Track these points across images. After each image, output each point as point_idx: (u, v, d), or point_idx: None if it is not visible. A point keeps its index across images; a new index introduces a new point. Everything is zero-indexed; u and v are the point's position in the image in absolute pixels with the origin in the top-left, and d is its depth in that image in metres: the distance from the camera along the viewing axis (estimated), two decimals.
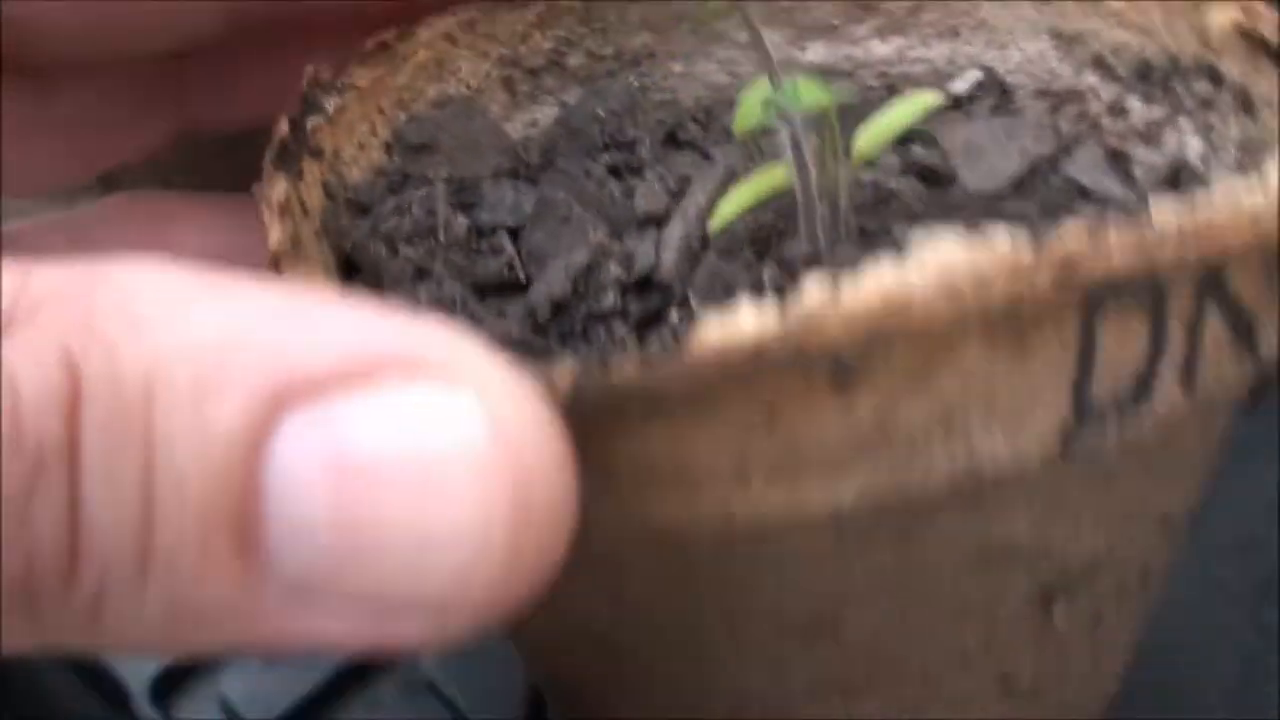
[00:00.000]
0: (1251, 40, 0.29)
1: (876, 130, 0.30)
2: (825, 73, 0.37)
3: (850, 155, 0.30)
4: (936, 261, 0.21)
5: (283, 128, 0.30)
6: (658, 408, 0.22)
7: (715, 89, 0.37)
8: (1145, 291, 0.22)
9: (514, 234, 0.33)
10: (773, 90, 0.28)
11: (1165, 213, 0.22)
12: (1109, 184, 0.32)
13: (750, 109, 0.29)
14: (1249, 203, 0.22)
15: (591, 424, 0.21)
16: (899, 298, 0.21)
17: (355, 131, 0.33)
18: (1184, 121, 0.32)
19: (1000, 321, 0.22)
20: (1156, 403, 0.23)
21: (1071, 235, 0.21)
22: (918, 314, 0.21)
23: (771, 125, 0.28)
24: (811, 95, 0.28)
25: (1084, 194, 0.33)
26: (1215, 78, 0.31)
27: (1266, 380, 0.25)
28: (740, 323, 0.21)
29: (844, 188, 0.30)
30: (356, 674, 0.45)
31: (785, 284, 0.27)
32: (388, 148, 0.34)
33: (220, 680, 0.45)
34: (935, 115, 0.36)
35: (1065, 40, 0.35)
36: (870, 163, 0.31)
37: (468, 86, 0.35)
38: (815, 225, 0.29)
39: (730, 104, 0.33)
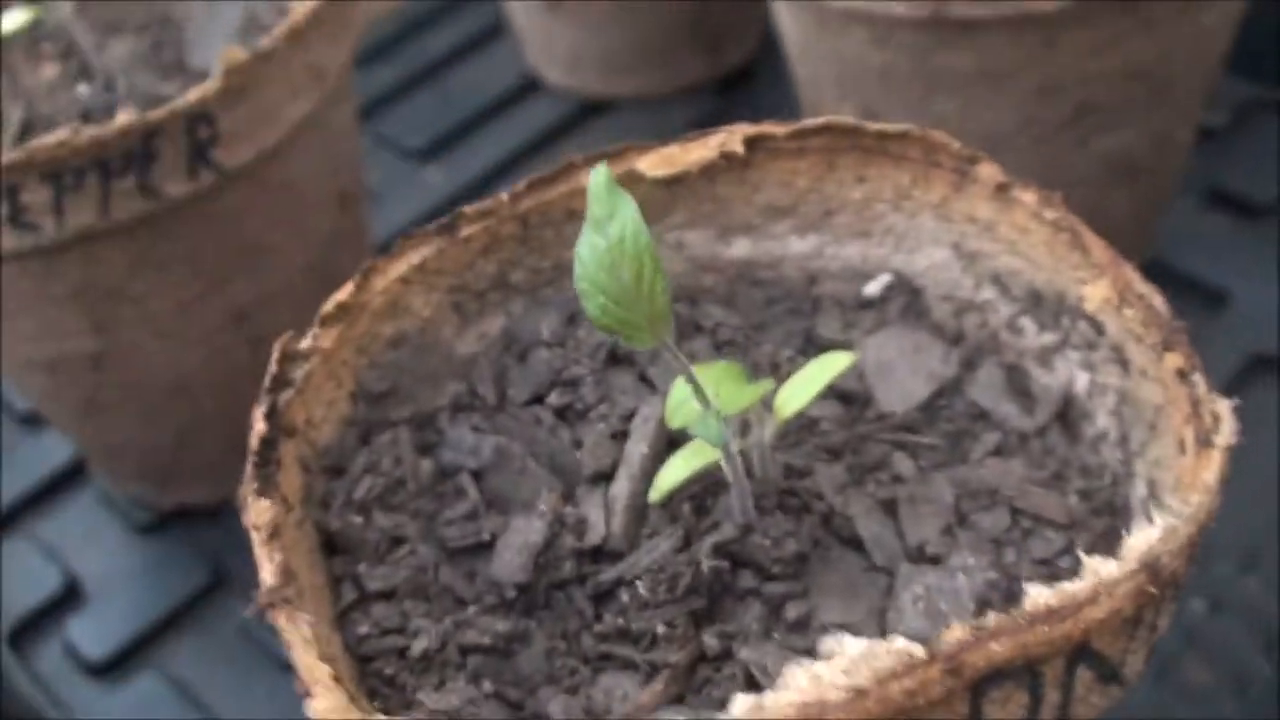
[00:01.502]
0: (1124, 314, 0.33)
1: (796, 391, 0.33)
2: (749, 265, 0.41)
3: (772, 412, 0.33)
4: (843, 668, 0.25)
5: (259, 428, 0.33)
6: None
7: None
8: (1023, 672, 0.26)
9: (475, 474, 0.36)
10: (696, 398, 0.31)
11: (1036, 602, 0.26)
12: (1007, 408, 0.36)
13: (680, 409, 0.32)
14: (1109, 580, 0.26)
15: None
16: (814, 703, 0.25)
17: (323, 391, 0.36)
18: (1072, 353, 0.36)
19: (900, 711, 0.26)
20: None
21: (957, 636, 0.26)
22: (830, 714, 0.25)
23: (699, 425, 0.31)
24: (734, 400, 0.32)
25: (984, 417, 0.36)
26: (1097, 327, 0.34)
27: None
28: None
29: (767, 454, 0.33)
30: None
31: (728, 647, 0.31)
32: (353, 397, 0.37)
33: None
34: (852, 314, 0.40)
35: (966, 255, 0.38)
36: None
37: (419, 318, 0.38)
38: (746, 503, 0.33)
39: None
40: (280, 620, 0.30)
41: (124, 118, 0.44)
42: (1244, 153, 0.66)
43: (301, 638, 0.29)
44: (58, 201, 0.44)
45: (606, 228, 0.29)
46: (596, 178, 0.29)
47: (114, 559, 0.59)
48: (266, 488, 0.32)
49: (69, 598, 0.57)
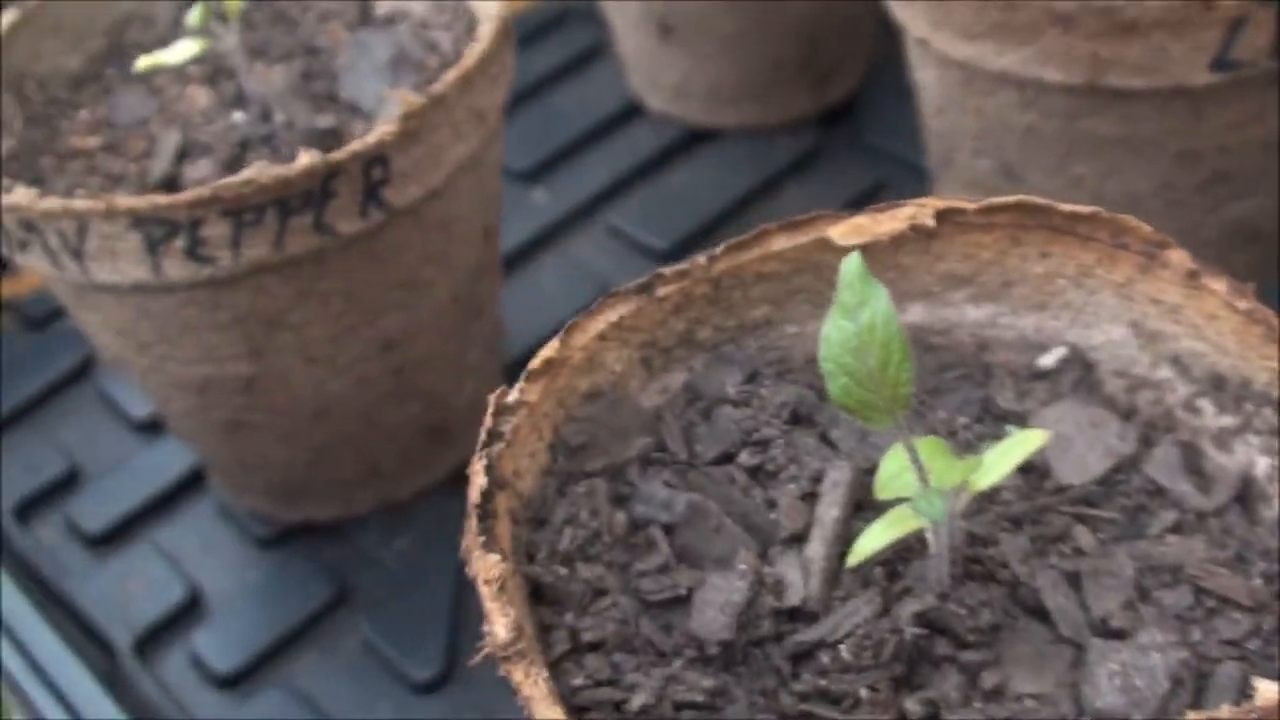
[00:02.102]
0: None
1: (992, 467, 0.35)
2: (921, 330, 0.42)
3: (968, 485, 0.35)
4: None
5: (479, 480, 0.35)
6: None
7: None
8: None
9: (667, 529, 0.37)
10: (913, 469, 0.33)
11: (1265, 693, 0.27)
12: (1184, 486, 0.37)
13: (894, 481, 0.33)
14: None
15: None
16: None
17: (528, 444, 0.37)
18: (1253, 438, 0.37)
19: None
20: None
21: None
22: None
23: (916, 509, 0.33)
24: (947, 476, 0.33)
25: (1161, 494, 0.38)
26: None
27: None
28: None
29: (957, 524, 0.34)
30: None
31: (932, 713, 0.32)
32: (552, 449, 0.38)
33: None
34: (1025, 384, 0.41)
35: (1145, 334, 0.39)
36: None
37: (612, 373, 0.39)
38: (943, 572, 0.34)
39: None
40: (517, 675, 0.31)
41: (306, 158, 0.45)
42: None
43: (541, 693, 0.31)
44: (236, 236, 0.46)
45: (857, 314, 0.30)
46: (850, 265, 0.31)
47: (235, 571, 0.60)
48: (490, 542, 0.34)
49: (192, 608, 0.59)
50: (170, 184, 0.52)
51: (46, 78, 0.57)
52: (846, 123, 0.78)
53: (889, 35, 0.59)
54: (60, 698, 0.51)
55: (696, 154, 0.77)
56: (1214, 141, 0.51)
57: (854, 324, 0.31)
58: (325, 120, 0.53)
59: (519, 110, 0.81)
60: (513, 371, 0.65)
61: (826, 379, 0.31)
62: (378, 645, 0.56)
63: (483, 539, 0.34)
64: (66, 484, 0.65)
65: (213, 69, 0.56)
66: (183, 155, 0.53)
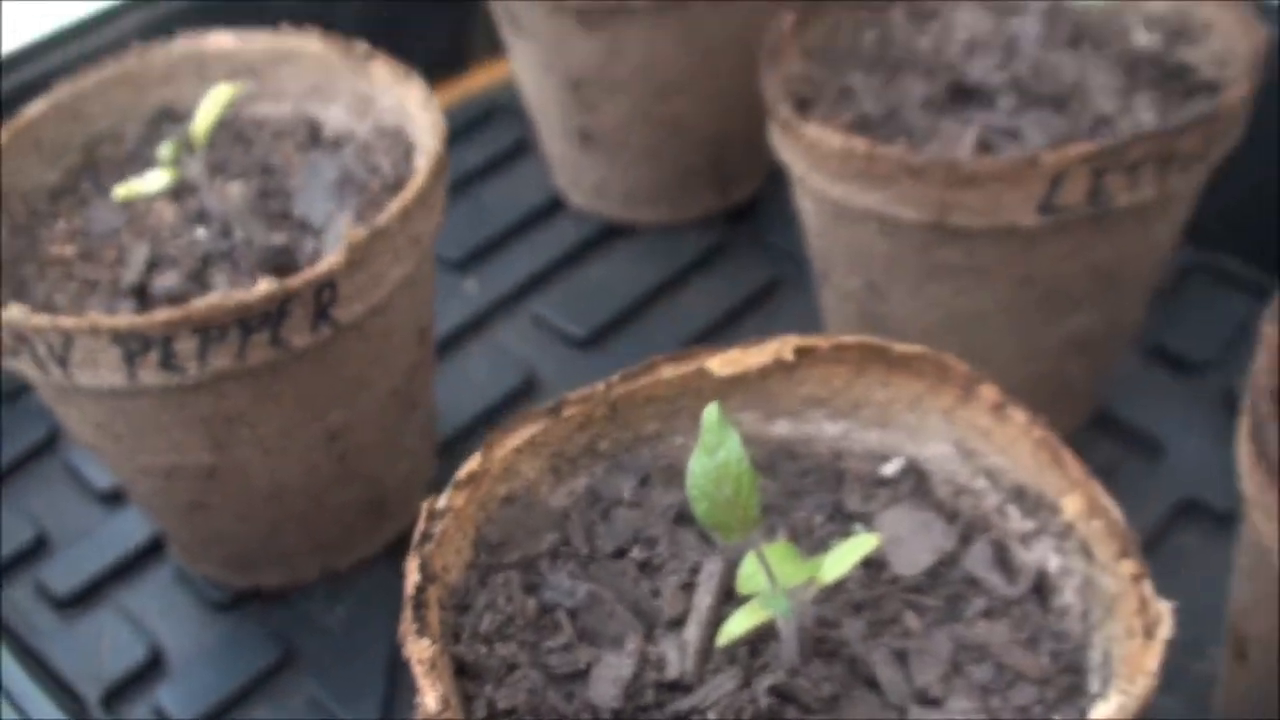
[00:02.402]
0: (1092, 524, 0.43)
1: (836, 562, 0.43)
2: (787, 442, 0.50)
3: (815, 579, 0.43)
4: None
5: (414, 575, 0.42)
6: None
7: None
8: None
9: (570, 612, 0.45)
10: (763, 572, 0.41)
11: None
12: (995, 578, 0.46)
13: (750, 580, 0.41)
14: None
15: None
16: None
17: (454, 542, 0.45)
18: (1047, 539, 0.45)
19: None
20: None
21: None
22: None
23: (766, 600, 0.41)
24: (792, 576, 0.41)
25: (976, 584, 0.46)
26: (1068, 525, 0.44)
27: None
28: None
29: (807, 609, 0.42)
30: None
31: None
32: (475, 546, 0.46)
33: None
34: (870, 489, 0.49)
35: (965, 451, 0.47)
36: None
37: (526, 480, 0.47)
38: (794, 653, 0.42)
39: None
40: None
41: (265, 286, 0.53)
42: (1184, 314, 0.76)
43: None
44: (203, 350, 0.53)
45: (716, 453, 0.38)
46: (710, 414, 0.39)
47: (193, 632, 0.67)
48: (423, 628, 0.41)
49: (154, 665, 0.65)
50: (140, 291, 0.59)
51: (28, 192, 0.64)
52: (748, 221, 0.86)
53: None
54: None
55: (614, 247, 0.85)
56: (1046, 269, 0.60)
57: (713, 460, 0.39)
58: (279, 237, 0.60)
59: (450, 202, 0.89)
60: (443, 450, 0.73)
61: (692, 503, 0.39)
62: (322, 701, 0.63)
63: (416, 625, 0.41)
64: (35, 550, 0.71)
65: (178, 185, 0.63)
66: (151, 266, 0.60)
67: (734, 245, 0.85)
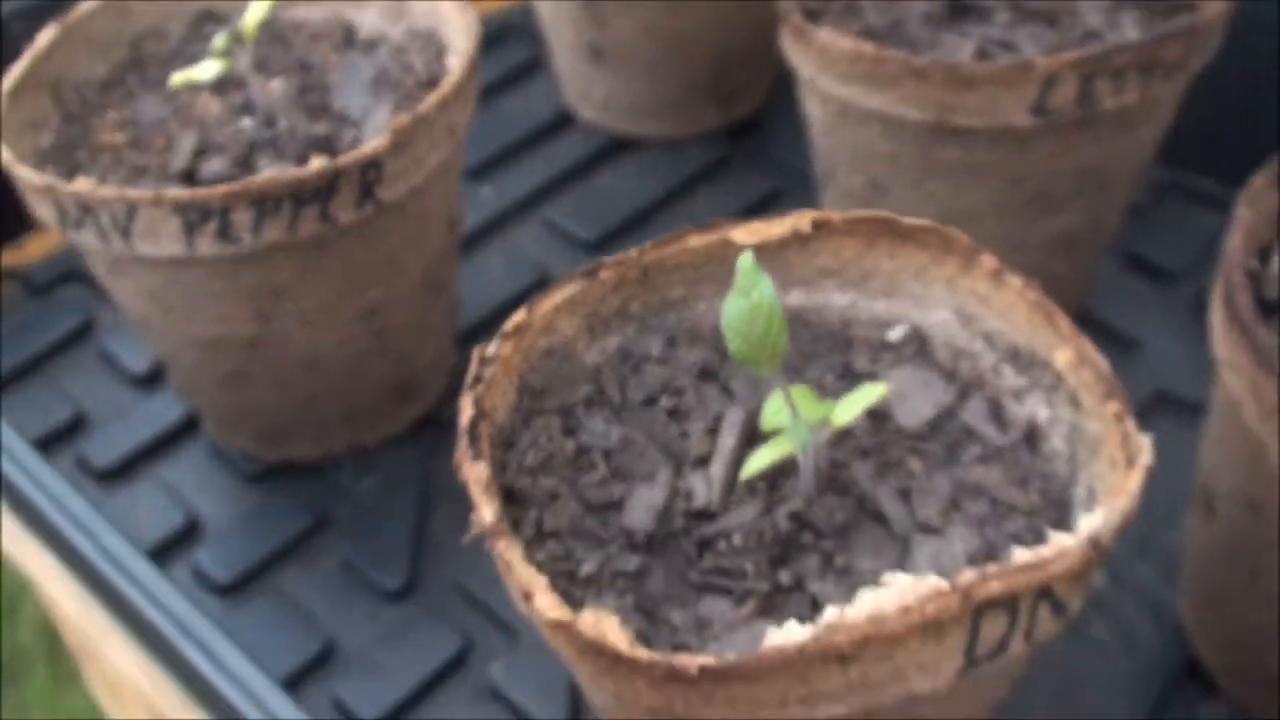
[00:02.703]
0: (1081, 373, 0.47)
1: (846, 408, 0.47)
2: (801, 310, 0.55)
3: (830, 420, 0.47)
4: (896, 594, 0.39)
5: (468, 410, 0.47)
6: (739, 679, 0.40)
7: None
8: (1007, 603, 0.40)
9: (605, 453, 0.50)
10: (787, 407, 0.45)
11: (1019, 558, 0.40)
12: (989, 428, 0.50)
13: (774, 416, 0.46)
14: (1067, 547, 0.41)
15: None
16: (877, 615, 0.39)
17: (500, 387, 0.49)
18: (1038, 394, 0.50)
19: (929, 624, 0.40)
20: (1011, 652, 0.41)
21: (968, 578, 0.40)
22: (887, 626, 0.39)
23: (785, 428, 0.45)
24: (812, 413, 0.46)
25: (972, 434, 0.51)
26: (1058, 378, 0.49)
27: None
28: (791, 633, 0.39)
29: (822, 451, 0.47)
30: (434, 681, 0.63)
31: (797, 582, 0.45)
32: (519, 392, 0.50)
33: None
34: (877, 352, 0.54)
35: (964, 317, 0.52)
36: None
37: (564, 336, 0.52)
38: (809, 484, 0.47)
39: None
40: (499, 545, 0.43)
41: (317, 163, 0.57)
42: (1160, 226, 0.81)
43: (518, 556, 0.43)
44: (258, 222, 0.57)
45: (750, 294, 0.43)
46: (744, 260, 0.43)
47: (228, 501, 0.71)
48: (477, 454, 0.46)
49: (191, 531, 0.70)
50: (188, 176, 0.63)
51: (80, 83, 0.68)
52: (750, 136, 0.90)
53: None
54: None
55: (621, 160, 0.89)
56: (1036, 168, 0.64)
57: (747, 301, 0.43)
58: (320, 128, 0.64)
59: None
60: (463, 340, 0.77)
61: (727, 340, 0.44)
62: (352, 562, 0.67)
63: (472, 452, 0.46)
64: (75, 428, 0.75)
65: (222, 79, 0.67)
66: (199, 153, 0.64)
67: (737, 158, 0.89)
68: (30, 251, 0.85)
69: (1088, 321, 0.76)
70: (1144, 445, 0.44)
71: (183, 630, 0.58)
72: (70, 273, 0.84)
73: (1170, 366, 0.73)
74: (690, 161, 0.88)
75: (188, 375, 0.68)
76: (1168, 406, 0.72)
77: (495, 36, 0.98)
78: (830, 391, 0.52)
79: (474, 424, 0.47)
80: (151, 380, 0.77)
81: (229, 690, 0.56)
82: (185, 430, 0.74)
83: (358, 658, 0.63)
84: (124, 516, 0.70)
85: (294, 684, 0.62)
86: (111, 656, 0.70)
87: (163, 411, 0.75)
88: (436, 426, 0.73)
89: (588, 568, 0.45)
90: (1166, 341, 0.75)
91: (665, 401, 0.51)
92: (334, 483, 0.71)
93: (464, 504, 0.69)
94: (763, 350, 0.44)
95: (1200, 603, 0.60)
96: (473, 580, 0.66)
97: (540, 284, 0.81)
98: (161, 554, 0.69)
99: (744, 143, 0.90)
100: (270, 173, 0.56)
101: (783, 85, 0.90)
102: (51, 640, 1.38)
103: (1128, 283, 0.79)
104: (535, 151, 0.90)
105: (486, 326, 0.79)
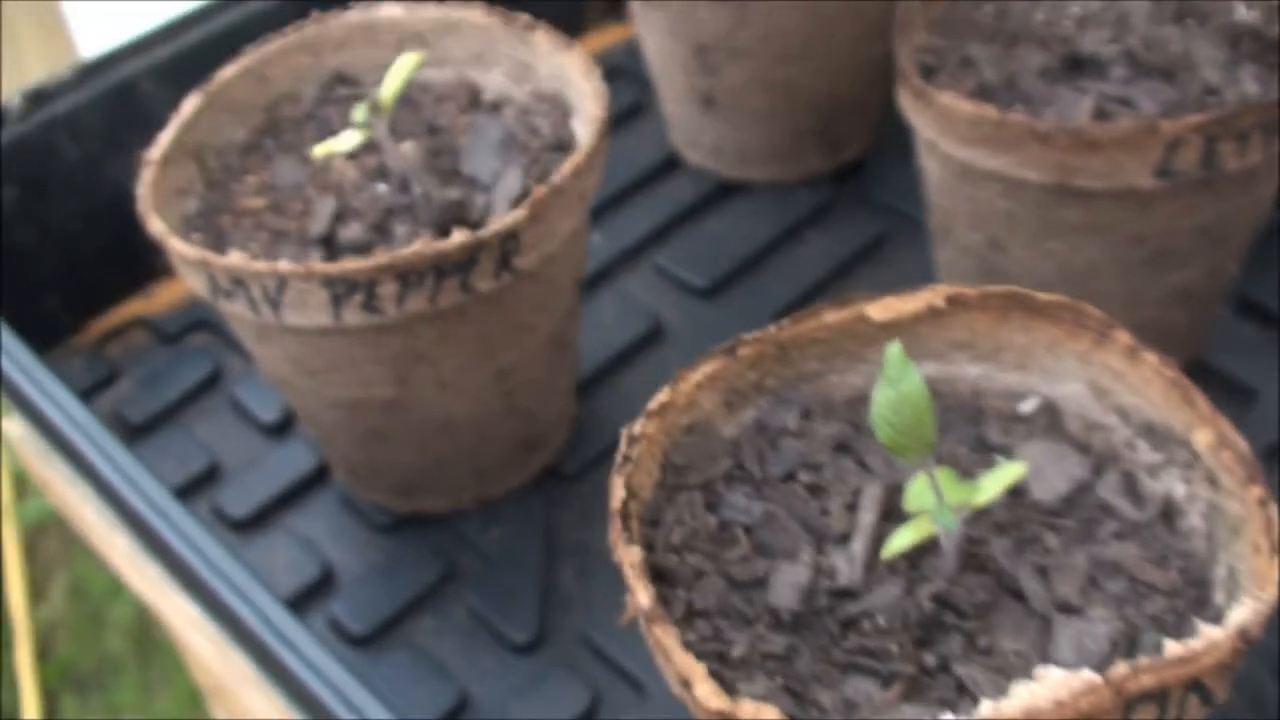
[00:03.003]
0: (1221, 455, 0.48)
1: (987, 489, 0.48)
2: (933, 381, 0.56)
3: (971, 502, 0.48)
4: (1050, 688, 0.40)
5: (619, 491, 0.48)
6: None
7: (856, 390, 0.55)
8: (1158, 695, 0.41)
9: (747, 529, 0.51)
10: (932, 491, 0.47)
11: (1172, 650, 0.41)
12: (1124, 504, 0.51)
13: (919, 498, 0.47)
14: (1217, 640, 0.42)
15: None
16: (1031, 708, 0.40)
17: (646, 465, 0.51)
18: (1175, 470, 0.51)
19: (1083, 716, 0.41)
20: None
21: (1121, 672, 0.41)
22: (1041, 715, 0.40)
23: (933, 517, 0.46)
24: (956, 497, 0.47)
25: (1108, 510, 0.52)
26: (1196, 455, 0.50)
27: None
28: None
29: (960, 528, 0.48)
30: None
31: (943, 664, 0.46)
32: (662, 468, 0.52)
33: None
34: (1009, 424, 0.55)
35: (1097, 390, 0.53)
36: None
37: (704, 411, 0.53)
38: (952, 565, 0.48)
39: (865, 399, 0.52)
40: (656, 631, 0.45)
41: (459, 236, 0.59)
42: (1274, 269, 0.81)
43: (675, 643, 0.44)
44: (402, 293, 0.59)
45: (899, 384, 0.44)
46: (893, 351, 0.44)
47: (360, 552, 0.73)
48: (630, 536, 0.47)
49: (326, 581, 0.72)
50: (327, 241, 0.65)
51: (221, 148, 0.70)
52: (855, 181, 0.91)
53: (893, 111, 0.72)
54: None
55: (728, 204, 0.91)
56: (1157, 227, 0.65)
57: (895, 391, 0.44)
58: (453, 193, 0.66)
59: None
60: (580, 389, 0.79)
61: (875, 429, 0.45)
62: (481, 614, 0.69)
63: (625, 534, 0.47)
64: (209, 477, 0.78)
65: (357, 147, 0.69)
66: (337, 218, 0.66)
67: (842, 203, 0.90)
68: (159, 300, 0.88)
69: (1203, 370, 0.76)
70: None
71: (325, 681, 0.60)
72: (199, 321, 0.86)
73: None
74: (797, 206, 0.89)
75: (325, 432, 0.70)
76: None
77: (603, 79, 1.00)
78: (964, 464, 0.53)
79: (625, 505, 0.48)
80: (282, 429, 0.79)
81: None
82: (316, 479, 0.77)
83: (491, 710, 0.65)
84: (261, 566, 0.73)
85: None
86: (248, 703, 0.72)
87: (294, 460, 0.78)
88: (558, 477, 0.75)
89: (738, 650, 0.47)
90: None
91: (804, 476, 0.52)
92: (462, 534, 0.73)
93: (589, 556, 0.71)
94: (912, 439, 0.45)
95: None
96: (599, 633, 0.68)
97: (654, 332, 0.83)
98: (299, 604, 0.71)
99: (850, 186, 0.91)
100: (415, 246, 0.58)
101: (886, 128, 0.92)
102: (140, 644, 1.42)
103: (1242, 330, 0.79)
104: (644, 195, 0.92)
105: (602, 376, 0.80)
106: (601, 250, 0.88)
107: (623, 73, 1.00)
